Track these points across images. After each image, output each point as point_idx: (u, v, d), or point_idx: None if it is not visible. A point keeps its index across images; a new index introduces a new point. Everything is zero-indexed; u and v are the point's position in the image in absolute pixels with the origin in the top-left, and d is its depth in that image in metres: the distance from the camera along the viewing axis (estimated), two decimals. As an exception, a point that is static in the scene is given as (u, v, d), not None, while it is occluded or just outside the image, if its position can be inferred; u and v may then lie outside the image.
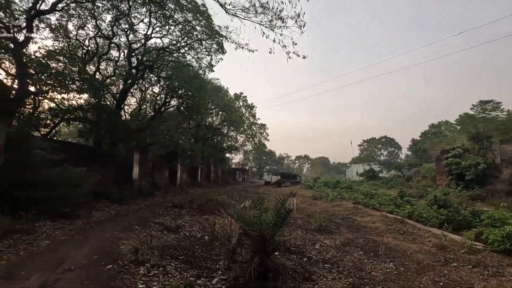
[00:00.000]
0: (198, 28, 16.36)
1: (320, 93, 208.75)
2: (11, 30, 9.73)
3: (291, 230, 8.36)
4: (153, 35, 16.76)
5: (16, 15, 10.23)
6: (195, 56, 18.16)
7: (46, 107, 12.31)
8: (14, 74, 9.73)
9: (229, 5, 8.86)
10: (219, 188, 25.93)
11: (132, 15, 15.04)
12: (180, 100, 19.95)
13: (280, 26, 8.71)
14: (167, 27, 16.58)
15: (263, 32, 8.76)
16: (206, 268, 4.85)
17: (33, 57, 10.05)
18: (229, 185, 33.90)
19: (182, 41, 17.16)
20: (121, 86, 18.05)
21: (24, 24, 10.35)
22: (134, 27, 15.82)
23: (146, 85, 20.10)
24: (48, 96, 11.16)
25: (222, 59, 18.70)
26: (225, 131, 37.54)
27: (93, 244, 5.67)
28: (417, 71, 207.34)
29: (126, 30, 15.71)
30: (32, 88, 10.43)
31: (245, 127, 41.00)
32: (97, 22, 14.53)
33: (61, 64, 11.05)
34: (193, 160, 26.16)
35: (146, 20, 15.97)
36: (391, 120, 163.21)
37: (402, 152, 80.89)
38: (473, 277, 5.17)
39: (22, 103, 9.83)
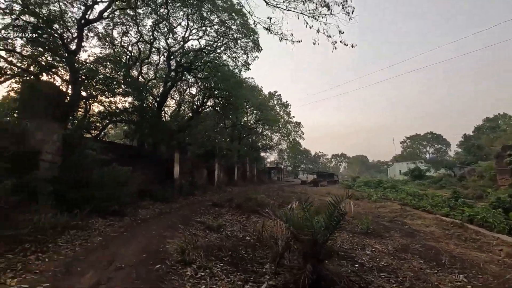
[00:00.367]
0: (233, 27, 16.42)
1: (368, 85, 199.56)
2: (65, 40, 10.50)
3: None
4: (190, 37, 17.21)
5: (69, 26, 11.04)
6: (231, 56, 18.21)
7: (96, 110, 13.18)
8: (68, 80, 10.49)
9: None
10: (255, 187, 25.87)
11: (171, 19, 15.54)
12: (216, 100, 20.27)
13: (325, 14, 8.16)
14: (203, 29, 16.88)
15: (306, 23, 8.26)
16: (253, 272, 4.63)
17: (84, 64, 10.78)
18: (264, 184, 33.74)
19: (218, 41, 17.32)
20: (161, 89, 18.88)
21: (76, 34, 11.16)
22: (173, 30, 16.33)
23: (184, 87, 20.86)
24: (97, 100, 11.89)
25: (258, 57, 18.47)
26: (260, 130, 37.48)
27: (140, 242, 5.79)
28: (468, 61, 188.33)
29: (165, 33, 16.29)
30: (83, 93, 11.18)
31: (280, 126, 40.61)
32: (139, 28, 15.24)
33: (108, 69, 11.80)
34: (230, 159, 26.47)
35: (183, 23, 16.49)
36: (435, 115, 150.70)
37: (451, 149, 74.24)
38: None
39: (75, 107, 10.57)
